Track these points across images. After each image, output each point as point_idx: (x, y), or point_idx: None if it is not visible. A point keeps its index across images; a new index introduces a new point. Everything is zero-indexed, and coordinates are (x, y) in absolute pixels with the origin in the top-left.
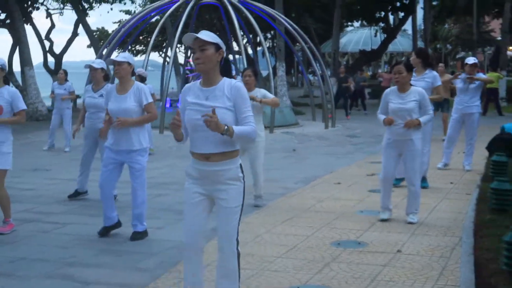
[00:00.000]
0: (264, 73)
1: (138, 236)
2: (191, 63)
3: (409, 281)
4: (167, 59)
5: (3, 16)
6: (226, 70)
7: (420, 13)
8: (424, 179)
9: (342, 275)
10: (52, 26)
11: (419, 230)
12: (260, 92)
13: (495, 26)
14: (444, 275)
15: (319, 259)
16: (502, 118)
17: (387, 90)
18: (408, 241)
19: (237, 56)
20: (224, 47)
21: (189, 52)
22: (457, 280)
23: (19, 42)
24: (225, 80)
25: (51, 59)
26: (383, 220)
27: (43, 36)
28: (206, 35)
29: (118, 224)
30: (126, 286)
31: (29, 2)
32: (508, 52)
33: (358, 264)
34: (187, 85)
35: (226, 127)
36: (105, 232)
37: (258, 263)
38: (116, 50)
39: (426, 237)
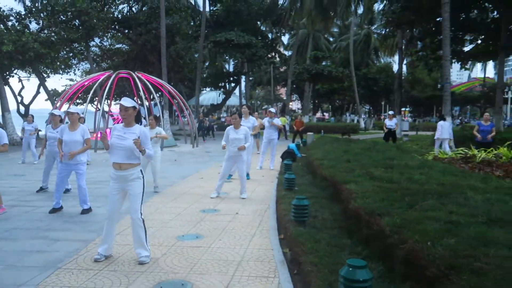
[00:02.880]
0: None
1: (85, 212)
2: (113, 112)
3: (243, 228)
4: (98, 108)
5: None
6: (137, 118)
7: (243, 83)
8: (247, 174)
9: (207, 228)
10: (23, 87)
11: (247, 202)
12: (158, 130)
13: (282, 92)
14: (261, 224)
15: (194, 220)
16: (288, 141)
17: (228, 127)
18: (242, 208)
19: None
20: (137, 107)
21: (112, 104)
22: (268, 226)
23: (1, 96)
24: (137, 126)
25: (22, 108)
26: (212, 198)
27: (16, 93)
28: (128, 102)
29: (61, 208)
30: (81, 241)
31: (7, 72)
32: (290, 106)
33: (215, 221)
34: (115, 125)
35: (144, 149)
36: (53, 211)
37: (159, 224)
38: (65, 103)
39: (252, 205)
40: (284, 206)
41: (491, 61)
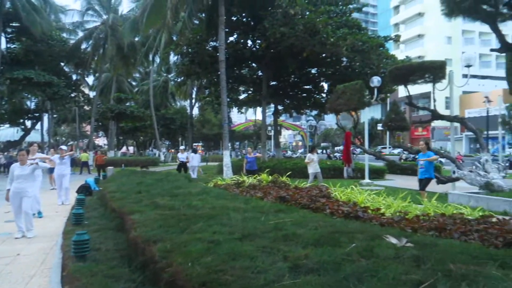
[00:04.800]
0: None
1: None
2: None
3: (22, 270)
4: None
5: None
6: None
7: (46, 120)
8: (40, 212)
9: None
10: None
11: (33, 240)
12: None
13: (88, 128)
14: (44, 263)
15: None
16: (89, 175)
17: (13, 165)
18: (26, 248)
19: None
20: None
21: None
22: (51, 264)
23: None
24: None
25: None
26: (17, 238)
27: None
28: None
29: None
30: None
31: None
32: (96, 142)
33: None
34: None
35: None
36: None
37: None
38: None
39: (38, 243)
40: (68, 242)
41: (259, 107)
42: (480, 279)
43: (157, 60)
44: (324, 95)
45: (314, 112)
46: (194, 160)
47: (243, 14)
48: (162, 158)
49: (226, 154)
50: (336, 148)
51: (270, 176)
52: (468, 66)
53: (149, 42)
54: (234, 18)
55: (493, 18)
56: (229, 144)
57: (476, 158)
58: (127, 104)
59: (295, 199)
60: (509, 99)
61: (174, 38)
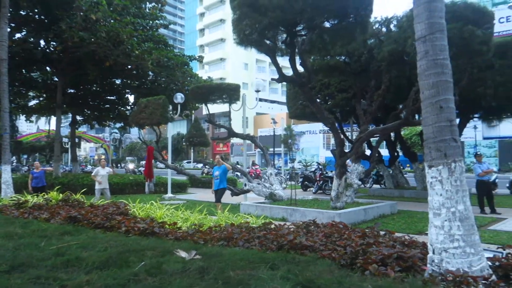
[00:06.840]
0: None
1: None
2: None
3: None
4: None
5: None
6: None
7: None
8: None
9: None
10: None
11: None
12: None
13: None
14: None
15: None
16: None
17: None
18: None
19: None
20: None
21: None
22: None
23: None
24: None
25: None
26: None
27: None
28: None
29: None
30: None
31: None
32: None
33: None
34: None
35: None
36: None
37: None
38: None
39: None
40: None
41: (53, 116)
42: (252, 281)
43: None
44: (129, 107)
45: (119, 125)
46: None
47: (35, 10)
48: None
49: (6, 169)
50: (141, 162)
51: (61, 194)
52: (258, 91)
53: None
54: (23, 13)
55: (273, 52)
56: (14, 158)
57: (264, 172)
58: None
59: (88, 219)
60: (289, 121)
61: None
